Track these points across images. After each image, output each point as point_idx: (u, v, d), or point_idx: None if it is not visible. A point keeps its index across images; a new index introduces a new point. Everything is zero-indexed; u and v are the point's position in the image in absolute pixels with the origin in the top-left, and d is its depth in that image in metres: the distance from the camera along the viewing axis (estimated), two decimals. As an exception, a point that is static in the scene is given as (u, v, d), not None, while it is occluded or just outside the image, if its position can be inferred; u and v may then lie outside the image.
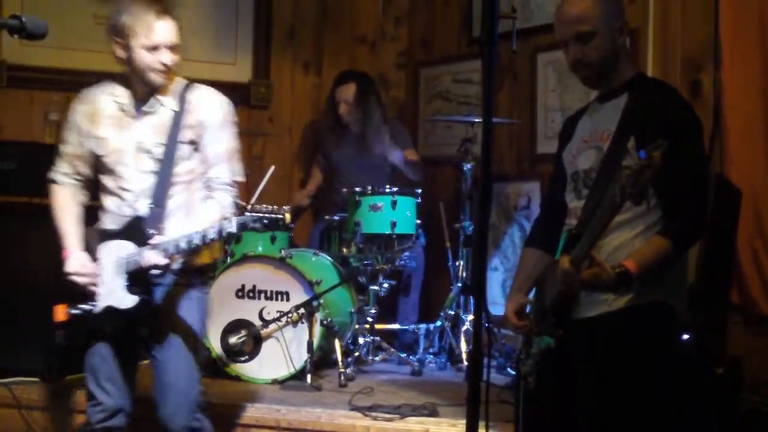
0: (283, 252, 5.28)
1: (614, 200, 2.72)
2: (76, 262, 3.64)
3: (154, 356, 3.72)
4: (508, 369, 5.23)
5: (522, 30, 5.92)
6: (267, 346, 5.14)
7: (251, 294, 5.18)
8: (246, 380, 5.15)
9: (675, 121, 3.00)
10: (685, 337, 3.61)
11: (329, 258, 5.69)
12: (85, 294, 3.64)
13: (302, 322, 5.06)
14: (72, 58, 6.16)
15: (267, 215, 3.48)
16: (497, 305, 5.80)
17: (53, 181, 3.81)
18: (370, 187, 5.61)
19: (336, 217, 5.86)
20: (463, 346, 5.56)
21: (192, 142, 3.70)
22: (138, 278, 3.61)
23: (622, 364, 2.97)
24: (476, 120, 5.81)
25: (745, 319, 5.05)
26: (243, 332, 5.15)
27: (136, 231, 3.62)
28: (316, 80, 6.95)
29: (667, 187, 2.92)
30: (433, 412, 4.42)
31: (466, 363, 5.44)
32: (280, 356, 5.13)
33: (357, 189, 5.59)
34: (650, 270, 2.93)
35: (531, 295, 3.30)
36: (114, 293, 3.62)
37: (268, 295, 5.21)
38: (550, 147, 5.96)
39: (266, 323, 5.11)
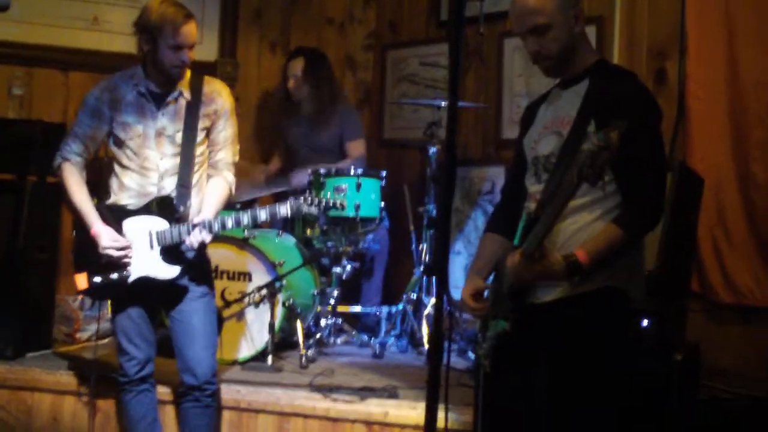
0: (246, 232, 5.26)
1: (571, 181, 2.72)
2: (107, 237, 3.96)
3: (177, 312, 4.08)
4: (469, 353, 5.23)
5: (490, 14, 5.91)
6: (228, 327, 5.11)
7: (213, 274, 5.10)
8: (207, 360, 5.11)
9: (634, 105, 3.01)
10: (645, 323, 3.63)
11: (293, 239, 5.67)
12: (107, 265, 3.97)
13: (264, 303, 5.04)
14: (35, 32, 6.08)
15: (324, 200, 4.11)
16: (459, 289, 5.78)
17: (66, 160, 4.08)
18: (334, 169, 5.60)
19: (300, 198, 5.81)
20: (425, 330, 5.56)
21: (206, 129, 4.11)
22: (172, 251, 4.00)
23: (576, 349, 2.99)
24: (442, 103, 5.80)
25: (704, 307, 5.12)
26: (205, 312, 5.13)
27: (167, 208, 4.00)
28: (283, 60, 6.85)
29: (624, 171, 2.93)
30: (393, 395, 4.43)
31: (427, 346, 5.44)
32: (242, 337, 5.13)
33: (321, 170, 5.57)
34: (602, 258, 2.95)
35: (489, 280, 3.30)
36: (151, 265, 3.99)
37: (230, 275, 5.20)
38: (515, 132, 5.91)
39: (228, 304, 5.08)
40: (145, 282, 4.00)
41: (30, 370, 4.80)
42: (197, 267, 4.10)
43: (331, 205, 4.15)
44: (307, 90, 6.19)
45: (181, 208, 4.01)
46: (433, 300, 5.61)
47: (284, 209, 4.03)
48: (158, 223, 4.00)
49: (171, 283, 4.02)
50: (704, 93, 5.12)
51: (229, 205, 4.77)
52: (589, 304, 3.01)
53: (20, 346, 5.03)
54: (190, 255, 4.04)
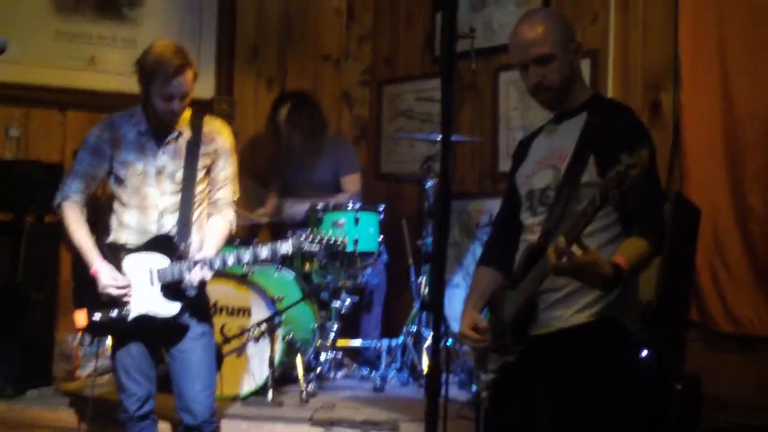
0: (245, 268, 5.27)
1: (593, 202, 2.70)
2: (107, 275, 3.96)
3: (176, 350, 4.06)
4: (473, 385, 5.22)
5: (484, 49, 5.98)
6: (228, 362, 5.09)
7: (212, 310, 5.12)
8: (207, 397, 5.11)
9: (632, 138, 3.00)
10: (644, 353, 3.64)
11: (291, 273, 5.68)
12: (107, 302, 3.96)
13: (264, 338, 5.05)
14: (33, 73, 6.09)
15: (325, 238, 4.07)
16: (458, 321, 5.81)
17: (66, 198, 4.09)
18: (332, 204, 5.62)
19: (300, 232, 5.83)
20: (425, 363, 5.55)
21: (206, 168, 4.12)
22: (173, 288, 3.98)
23: (578, 380, 2.98)
24: (439, 138, 5.82)
25: (704, 337, 5.11)
26: (204, 348, 5.13)
27: (167, 245, 4.00)
28: (280, 97, 6.94)
29: (627, 200, 2.90)
30: (394, 428, 4.43)
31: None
32: (242, 372, 5.12)
33: (319, 205, 5.59)
34: (636, 269, 2.93)
35: (484, 314, 3.30)
36: (151, 303, 3.98)
37: (230, 311, 5.20)
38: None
39: (227, 339, 5.09)
40: (146, 319, 3.99)
41: (29, 408, 4.81)
42: (197, 305, 4.08)
43: (332, 242, 4.11)
44: (298, 134, 6.23)
45: (182, 246, 4.00)
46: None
47: (285, 247, 4.01)
48: (159, 261, 3.99)
49: (171, 321, 4.01)
50: (699, 124, 5.14)
51: (229, 240, 4.79)
52: (589, 335, 3.00)
53: (20, 385, 5.04)
54: (190, 293, 4.01)
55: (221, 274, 5.11)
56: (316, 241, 4.06)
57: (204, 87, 6.58)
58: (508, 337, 3.07)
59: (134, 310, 3.98)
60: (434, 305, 2.08)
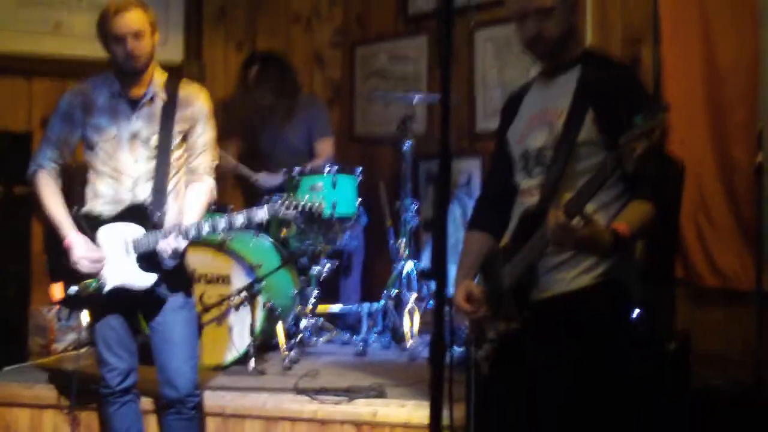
0: (222, 235, 5.18)
1: (603, 171, 2.65)
2: (80, 247, 3.89)
3: (157, 323, 3.99)
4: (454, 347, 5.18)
5: (459, 7, 5.87)
6: (208, 332, 5.03)
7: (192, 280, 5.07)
8: (188, 367, 5.04)
9: (635, 94, 2.96)
10: (636, 312, 3.59)
11: (269, 240, 5.60)
12: (82, 275, 3.88)
13: (244, 306, 4.98)
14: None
15: (301, 203, 3.96)
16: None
17: (40, 167, 4.02)
18: (309, 167, 5.54)
19: (276, 198, 5.76)
20: (407, 325, 5.51)
21: (182, 133, 4.03)
22: (149, 259, 3.89)
23: (581, 345, 2.91)
24: (416, 98, 5.77)
25: (689, 293, 5.09)
26: (183, 318, 5.04)
27: (141, 215, 3.91)
28: (249, 59, 6.83)
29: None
30: (381, 393, 4.38)
31: (410, 342, 5.40)
32: (223, 341, 5.06)
33: (295, 170, 5.51)
34: (639, 235, 2.89)
35: (476, 280, 3.23)
36: (125, 274, 3.90)
37: (209, 279, 5.13)
38: (489, 124, 5.95)
39: (207, 308, 5.02)
40: (122, 291, 3.91)
41: (7, 385, 4.70)
42: (175, 275, 3.99)
43: (308, 207, 3.99)
44: (269, 94, 6.15)
45: (157, 215, 3.91)
46: (414, 295, 5.59)
47: (261, 213, 3.92)
48: (133, 231, 3.90)
49: (148, 292, 3.93)
50: (681, 76, 5.09)
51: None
52: (592, 299, 2.94)
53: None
54: (167, 263, 3.92)
55: (198, 242, 5.03)
56: (292, 206, 3.96)
57: (173, 51, 6.50)
58: (510, 304, 3.00)
59: (110, 282, 3.90)
60: (437, 272, 2.00)
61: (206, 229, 3.88)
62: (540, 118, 3.11)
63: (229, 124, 6.45)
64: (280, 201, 3.97)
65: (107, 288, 3.90)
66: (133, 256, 3.89)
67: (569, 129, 2.95)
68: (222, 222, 3.90)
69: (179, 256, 3.95)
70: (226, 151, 6.11)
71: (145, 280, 3.90)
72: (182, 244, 3.87)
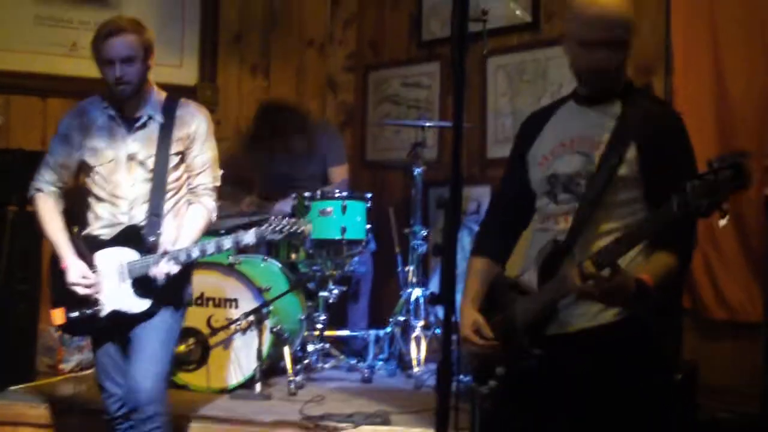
0: (231, 258, 5.19)
1: (670, 211, 2.52)
2: (76, 272, 3.81)
3: (133, 333, 3.86)
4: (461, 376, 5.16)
5: (472, 33, 5.89)
6: (215, 354, 5.05)
7: (199, 301, 5.06)
8: (194, 389, 5.05)
9: (681, 140, 2.90)
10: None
11: (278, 264, 5.60)
12: (81, 300, 3.81)
13: (251, 330, 4.97)
14: (14, 59, 6.01)
15: (288, 227, 3.85)
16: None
17: (39, 190, 3.97)
18: (319, 192, 5.55)
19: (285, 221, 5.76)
20: (413, 352, 5.50)
21: (180, 154, 3.92)
22: (143, 283, 3.81)
23: (609, 379, 2.85)
24: (427, 124, 5.79)
25: (696, 325, 5.08)
26: (191, 340, 5.03)
27: (136, 238, 3.84)
28: (263, 83, 6.86)
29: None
30: (385, 420, 4.37)
31: (416, 369, 5.39)
32: (229, 364, 5.05)
33: (306, 194, 5.52)
34: (662, 287, 2.78)
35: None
36: (121, 298, 3.83)
37: (217, 302, 5.13)
38: (500, 151, 5.95)
39: (214, 331, 5.02)
40: (119, 316, 3.83)
41: (13, 404, 4.70)
42: (166, 290, 3.85)
43: (293, 231, 3.89)
44: (287, 141, 6.24)
45: (151, 238, 3.83)
46: (421, 322, 5.58)
47: (248, 237, 3.84)
48: (128, 255, 3.84)
49: (143, 317, 3.84)
50: (692, 108, 5.09)
51: (213, 232, 4.71)
52: (618, 335, 2.87)
53: (3, 378, 4.94)
54: (162, 286, 3.82)
55: (207, 264, 5.05)
56: (278, 230, 3.86)
57: (188, 74, 6.54)
58: (523, 340, 2.91)
59: (107, 307, 3.84)
60: (445, 297, 2.00)
61: (196, 253, 3.79)
62: (574, 145, 2.99)
63: (245, 149, 6.52)
64: (266, 225, 3.87)
65: (104, 313, 3.83)
66: (128, 281, 3.83)
67: (608, 161, 2.86)
68: (210, 246, 3.81)
69: (175, 277, 3.84)
70: (237, 203, 6.14)
71: (140, 305, 3.82)
72: (174, 268, 3.78)
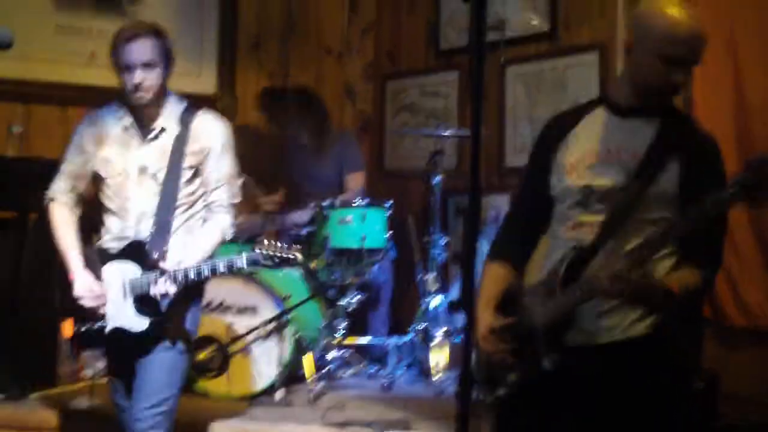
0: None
1: (666, 234, 2.62)
2: (83, 285, 3.73)
3: (139, 361, 3.76)
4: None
5: (490, 42, 5.90)
6: (235, 362, 5.07)
7: (219, 309, 5.09)
8: (214, 397, 5.07)
9: (719, 158, 2.90)
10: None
11: (298, 271, 5.62)
12: (88, 313, 3.73)
13: (272, 337, 4.99)
14: (35, 69, 6.02)
15: (279, 253, 3.69)
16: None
17: (52, 199, 3.89)
18: (338, 201, 5.56)
19: (304, 231, 5.79)
20: (434, 360, 5.51)
21: (194, 167, 3.80)
22: (145, 302, 3.71)
23: (642, 392, 2.84)
24: (445, 133, 5.79)
25: (717, 333, 5.07)
26: (211, 348, 5.06)
27: (140, 253, 3.72)
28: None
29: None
30: (406, 427, 4.40)
31: (437, 377, 5.41)
32: (249, 372, 5.07)
33: (324, 203, 5.54)
34: (686, 298, 2.79)
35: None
36: (124, 316, 3.72)
37: (237, 310, 5.14)
38: (518, 160, 5.96)
39: (235, 338, 5.03)
40: (122, 333, 3.73)
41: (35, 411, 4.74)
42: (173, 319, 3.79)
43: (284, 256, 3.73)
44: (304, 133, 6.21)
45: (155, 254, 3.70)
46: (441, 329, 5.58)
47: (240, 262, 3.69)
48: (131, 270, 3.73)
49: (143, 336, 3.73)
50: (711, 115, 5.08)
51: (233, 242, 4.70)
52: (649, 347, 2.86)
53: (26, 384, 4.99)
54: (165, 305, 3.73)
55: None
56: (269, 255, 3.71)
57: (206, 83, 6.56)
58: (539, 345, 2.88)
59: (110, 323, 3.74)
60: (465, 304, 2.01)
61: (192, 274, 3.66)
62: (613, 156, 2.94)
63: (260, 160, 6.52)
64: (258, 249, 3.71)
65: (108, 329, 3.75)
66: (131, 298, 3.73)
67: (645, 176, 2.84)
68: (206, 268, 3.67)
69: (178, 300, 3.77)
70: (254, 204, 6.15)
71: (139, 324, 3.71)
72: (171, 288, 3.64)
